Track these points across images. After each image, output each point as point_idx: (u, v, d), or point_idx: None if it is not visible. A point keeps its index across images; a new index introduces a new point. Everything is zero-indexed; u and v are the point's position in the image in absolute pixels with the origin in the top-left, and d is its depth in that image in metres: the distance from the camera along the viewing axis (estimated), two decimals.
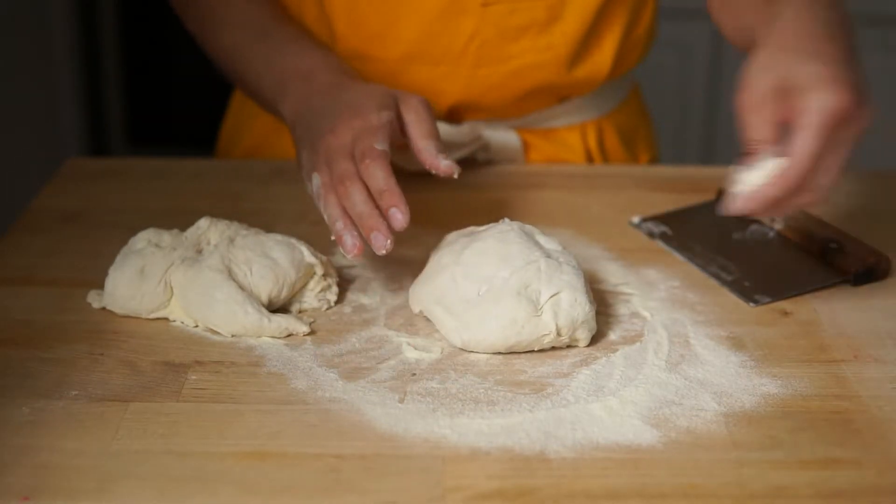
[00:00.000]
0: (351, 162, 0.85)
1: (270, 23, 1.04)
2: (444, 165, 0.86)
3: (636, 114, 1.25)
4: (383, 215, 0.82)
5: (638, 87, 1.27)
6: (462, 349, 0.80)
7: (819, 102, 0.77)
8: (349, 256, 0.81)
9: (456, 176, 0.86)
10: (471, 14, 1.06)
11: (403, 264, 0.93)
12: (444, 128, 1.11)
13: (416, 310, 0.84)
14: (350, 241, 0.81)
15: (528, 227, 0.87)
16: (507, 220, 0.87)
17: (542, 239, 0.86)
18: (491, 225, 0.87)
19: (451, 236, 0.89)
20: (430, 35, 1.07)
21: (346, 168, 0.84)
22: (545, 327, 0.79)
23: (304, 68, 0.97)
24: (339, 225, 0.82)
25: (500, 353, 0.80)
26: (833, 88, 0.77)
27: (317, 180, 0.86)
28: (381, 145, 0.84)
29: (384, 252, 0.80)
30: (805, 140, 0.77)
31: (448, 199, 1.06)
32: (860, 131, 0.79)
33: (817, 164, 0.78)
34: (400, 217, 0.81)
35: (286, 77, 0.97)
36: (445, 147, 0.89)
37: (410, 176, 1.00)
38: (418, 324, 0.84)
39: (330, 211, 0.84)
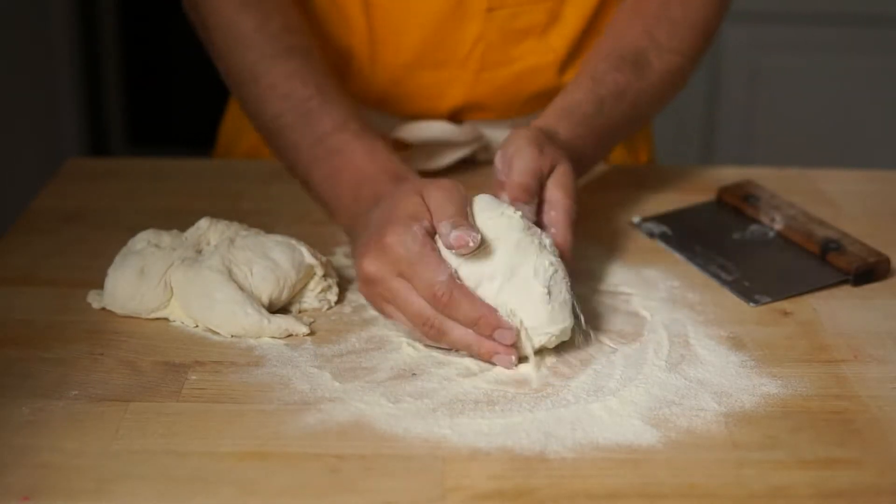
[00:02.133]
0: (410, 295, 0.79)
1: (317, 99, 0.96)
2: (452, 238, 0.78)
3: None
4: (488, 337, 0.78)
5: None
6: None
7: (569, 210, 0.88)
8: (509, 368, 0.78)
9: (472, 245, 0.78)
10: (475, 19, 1.06)
11: None
12: (444, 127, 1.11)
13: None
14: (504, 361, 0.78)
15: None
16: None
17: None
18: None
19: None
20: (434, 40, 1.08)
21: (411, 305, 0.79)
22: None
23: (353, 179, 0.92)
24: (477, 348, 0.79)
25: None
26: (575, 201, 0.89)
27: (397, 320, 0.81)
28: (443, 275, 0.78)
29: (515, 365, 0.78)
30: (565, 233, 0.86)
31: None
32: None
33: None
34: (509, 334, 0.77)
35: (335, 182, 0.93)
36: (462, 218, 0.80)
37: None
38: None
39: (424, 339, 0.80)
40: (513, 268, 0.79)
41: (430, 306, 0.78)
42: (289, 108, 0.96)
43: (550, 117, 0.95)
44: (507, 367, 0.78)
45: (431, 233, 0.80)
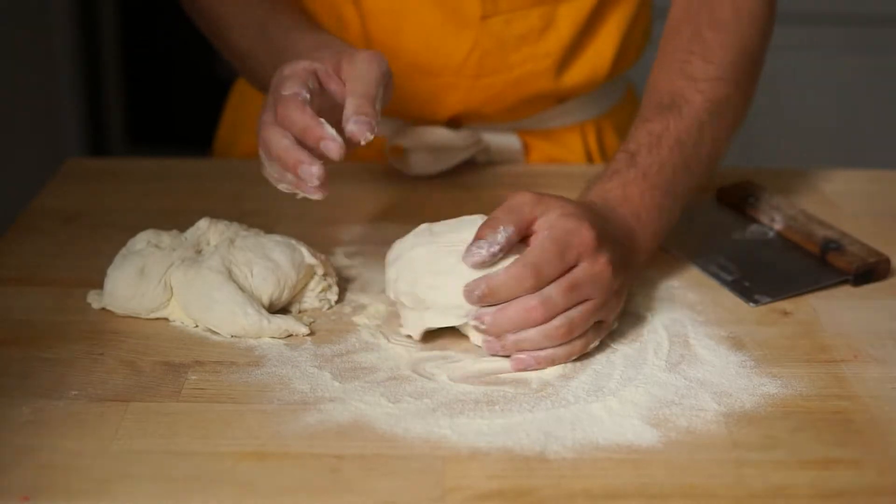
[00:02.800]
0: (268, 112, 0.80)
1: (267, 17, 0.98)
2: (350, 127, 0.78)
3: (634, 113, 1.26)
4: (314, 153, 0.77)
5: (633, 86, 1.27)
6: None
7: (551, 219, 0.79)
8: (315, 195, 0.78)
9: (363, 142, 0.78)
10: (470, 26, 1.06)
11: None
12: (444, 132, 1.11)
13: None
14: (287, 182, 0.78)
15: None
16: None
17: None
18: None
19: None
20: (431, 47, 1.08)
21: (262, 121, 0.80)
22: None
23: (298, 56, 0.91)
24: (276, 175, 0.79)
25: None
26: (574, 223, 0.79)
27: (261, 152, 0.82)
28: (287, 90, 0.79)
29: (317, 182, 0.76)
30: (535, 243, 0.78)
31: (448, 199, 1.06)
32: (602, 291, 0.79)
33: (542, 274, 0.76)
34: (333, 146, 0.76)
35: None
36: (374, 115, 0.80)
37: (409, 180, 1.01)
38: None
39: (269, 171, 0.80)
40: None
41: (268, 116, 0.79)
42: (248, 24, 0.99)
43: (583, 190, 0.89)
44: (311, 181, 0.76)
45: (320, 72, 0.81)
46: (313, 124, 0.77)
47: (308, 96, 0.79)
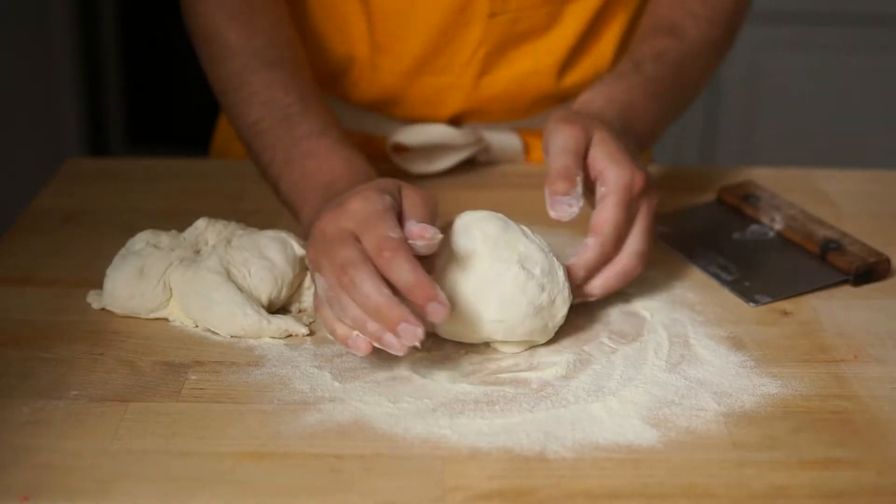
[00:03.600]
0: (355, 248, 0.73)
1: (295, 107, 0.95)
2: (414, 228, 0.75)
3: None
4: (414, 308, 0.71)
5: None
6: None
7: (617, 178, 0.82)
8: (400, 353, 0.71)
9: (430, 237, 0.75)
10: (477, 24, 1.06)
11: None
12: (445, 130, 1.11)
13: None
14: (389, 339, 0.71)
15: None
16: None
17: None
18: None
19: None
20: (436, 47, 1.08)
21: (348, 255, 0.72)
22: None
23: (325, 179, 0.88)
24: (370, 327, 0.71)
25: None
26: (629, 167, 0.83)
27: (321, 283, 0.75)
28: (395, 232, 0.72)
29: (417, 345, 0.70)
30: (607, 210, 0.82)
31: (448, 199, 1.06)
32: (653, 205, 0.85)
33: (622, 231, 0.83)
34: (441, 310, 0.70)
35: (306, 183, 0.90)
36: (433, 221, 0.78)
37: (409, 178, 1.01)
38: None
39: (335, 309, 0.74)
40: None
41: (357, 253, 0.72)
42: (268, 114, 0.96)
43: (586, 92, 0.92)
44: (411, 342, 0.70)
45: (397, 210, 0.77)
46: (425, 281, 0.70)
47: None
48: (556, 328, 0.81)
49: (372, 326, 0.72)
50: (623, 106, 0.91)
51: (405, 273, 0.71)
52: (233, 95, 0.99)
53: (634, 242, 0.84)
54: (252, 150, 0.98)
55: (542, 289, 0.78)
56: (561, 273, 0.80)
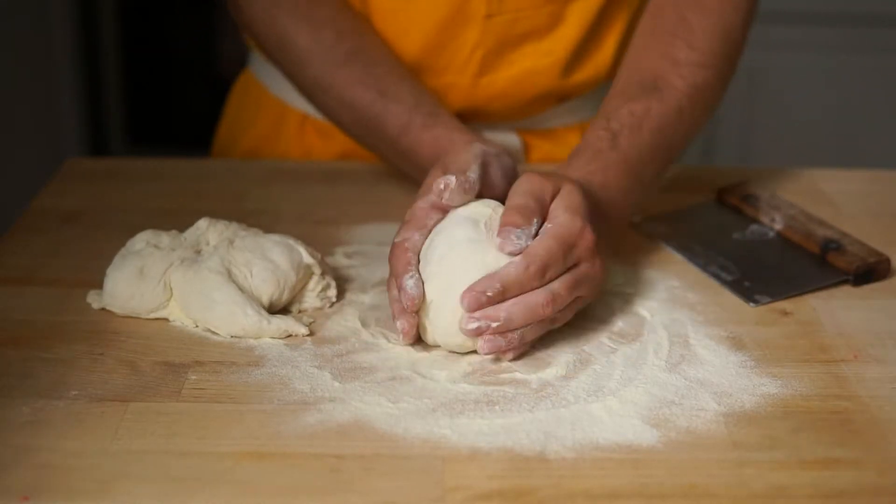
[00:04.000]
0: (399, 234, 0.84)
1: (378, 104, 1.00)
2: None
3: None
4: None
5: None
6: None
7: (567, 222, 0.80)
8: (399, 340, 0.81)
9: (444, 186, 0.82)
10: (474, 25, 1.06)
11: None
12: None
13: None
14: (399, 324, 0.80)
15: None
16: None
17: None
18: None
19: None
20: (434, 47, 1.08)
21: (393, 242, 0.84)
22: None
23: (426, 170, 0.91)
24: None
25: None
26: (582, 222, 0.81)
27: None
28: (398, 237, 0.83)
29: (402, 338, 0.80)
30: (545, 241, 0.79)
31: None
32: (590, 287, 0.82)
33: (551, 268, 0.78)
34: (403, 332, 0.80)
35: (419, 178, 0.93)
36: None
37: (410, 177, 1.00)
38: None
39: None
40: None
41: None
42: (357, 119, 1.01)
43: (561, 167, 0.90)
44: (400, 335, 0.79)
45: (439, 206, 0.84)
46: (398, 272, 0.80)
47: (417, 241, 0.82)
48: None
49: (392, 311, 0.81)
50: (598, 185, 0.88)
51: (391, 268, 0.82)
52: (319, 99, 1.04)
53: (557, 283, 0.79)
54: (364, 146, 1.06)
55: None
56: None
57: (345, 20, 1.03)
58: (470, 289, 0.77)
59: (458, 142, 0.94)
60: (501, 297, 0.77)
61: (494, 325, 0.77)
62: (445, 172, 0.84)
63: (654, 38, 0.99)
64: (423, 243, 0.82)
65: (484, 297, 0.77)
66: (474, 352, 0.80)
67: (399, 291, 0.79)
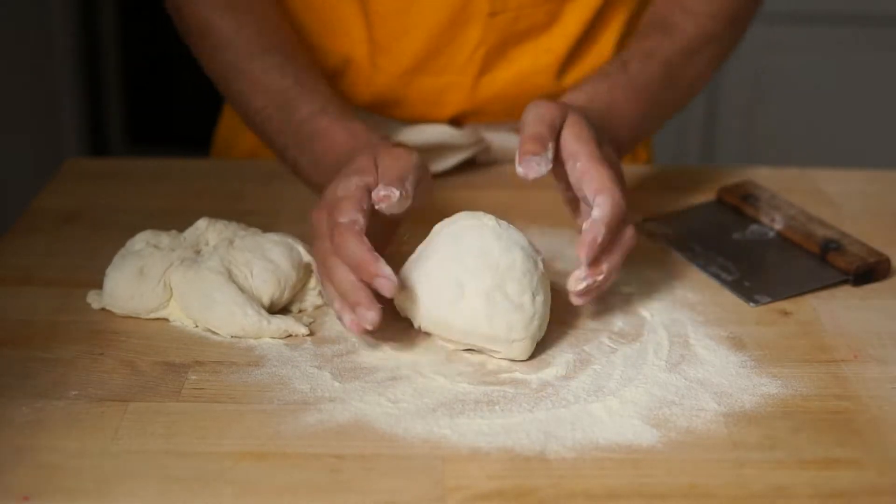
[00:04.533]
0: (326, 240, 0.80)
1: (293, 90, 0.97)
2: (376, 195, 0.80)
3: None
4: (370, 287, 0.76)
5: None
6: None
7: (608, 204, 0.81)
8: (354, 333, 0.78)
9: (393, 198, 0.80)
10: (476, 24, 1.06)
11: (402, 263, 0.93)
12: (445, 130, 1.11)
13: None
14: (347, 318, 0.76)
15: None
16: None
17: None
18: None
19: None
20: (435, 47, 1.08)
21: (320, 247, 0.80)
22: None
23: (333, 159, 0.91)
24: (336, 305, 0.78)
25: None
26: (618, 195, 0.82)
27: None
28: (344, 217, 0.78)
29: (371, 327, 0.75)
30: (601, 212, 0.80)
31: (448, 199, 1.06)
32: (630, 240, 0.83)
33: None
34: (386, 283, 0.75)
35: (318, 167, 0.93)
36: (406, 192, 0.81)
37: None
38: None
39: (326, 293, 0.80)
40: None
41: (328, 244, 0.79)
42: (269, 101, 0.98)
43: (570, 90, 0.94)
44: (364, 325, 0.75)
45: (370, 183, 0.81)
46: (369, 259, 0.76)
47: (363, 223, 0.78)
48: (525, 352, 0.79)
49: (337, 305, 0.78)
50: (604, 104, 0.92)
51: (351, 255, 0.76)
52: (234, 85, 1.02)
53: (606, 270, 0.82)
54: (264, 137, 1.01)
55: (509, 310, 0.78)
56: (538, 297, 0.79)
57: (270, 21, 1.03)
58: (581, 242, 0.79)
59: (378, 143, 0.90)
60: (605, 242, 0.80)
61: (600, 278, 0.80)
62: (382, 172, 0.81)
63: None
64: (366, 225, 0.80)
65: (596, 245, 0.79)
66: (472, 350, 0.80)
67: (375, 279, 0.76)
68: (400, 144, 0.88)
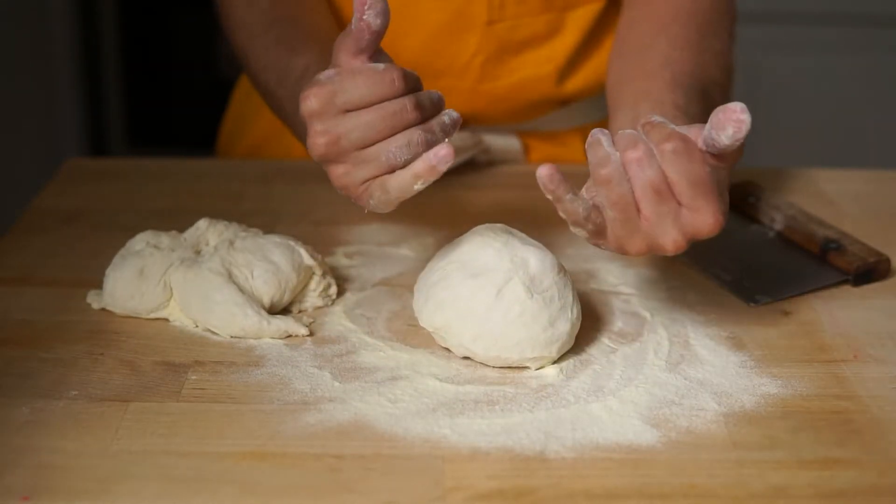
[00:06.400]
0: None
1: (287, 55, 0.97)
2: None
3: None
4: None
5: None
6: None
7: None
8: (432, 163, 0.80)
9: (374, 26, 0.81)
10: (474, 31, 1.06)
11: (402, 264, 0.93)
12: None
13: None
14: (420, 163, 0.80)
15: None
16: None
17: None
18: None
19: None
20: (433, 50, 1.08)
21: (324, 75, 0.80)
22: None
23: None
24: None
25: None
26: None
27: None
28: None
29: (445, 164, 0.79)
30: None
31: (448, 199, 1.06)
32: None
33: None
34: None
35: None
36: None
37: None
38: (418, 323, 0.84)
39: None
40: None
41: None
42: (271, 75, 0.98)
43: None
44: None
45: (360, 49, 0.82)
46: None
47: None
48: (542, 362, 0.79)
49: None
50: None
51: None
52: (247, 66, 1.03)
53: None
54: (279, 116, 1.00)
55: (523, 323, 0.77)
56: (567, 312, 0.79)
57: None
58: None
59: None
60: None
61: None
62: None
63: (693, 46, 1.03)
64: None
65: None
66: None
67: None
68: None
